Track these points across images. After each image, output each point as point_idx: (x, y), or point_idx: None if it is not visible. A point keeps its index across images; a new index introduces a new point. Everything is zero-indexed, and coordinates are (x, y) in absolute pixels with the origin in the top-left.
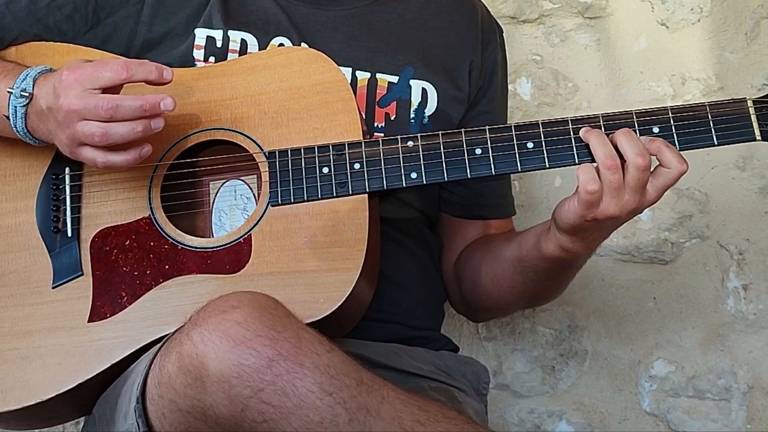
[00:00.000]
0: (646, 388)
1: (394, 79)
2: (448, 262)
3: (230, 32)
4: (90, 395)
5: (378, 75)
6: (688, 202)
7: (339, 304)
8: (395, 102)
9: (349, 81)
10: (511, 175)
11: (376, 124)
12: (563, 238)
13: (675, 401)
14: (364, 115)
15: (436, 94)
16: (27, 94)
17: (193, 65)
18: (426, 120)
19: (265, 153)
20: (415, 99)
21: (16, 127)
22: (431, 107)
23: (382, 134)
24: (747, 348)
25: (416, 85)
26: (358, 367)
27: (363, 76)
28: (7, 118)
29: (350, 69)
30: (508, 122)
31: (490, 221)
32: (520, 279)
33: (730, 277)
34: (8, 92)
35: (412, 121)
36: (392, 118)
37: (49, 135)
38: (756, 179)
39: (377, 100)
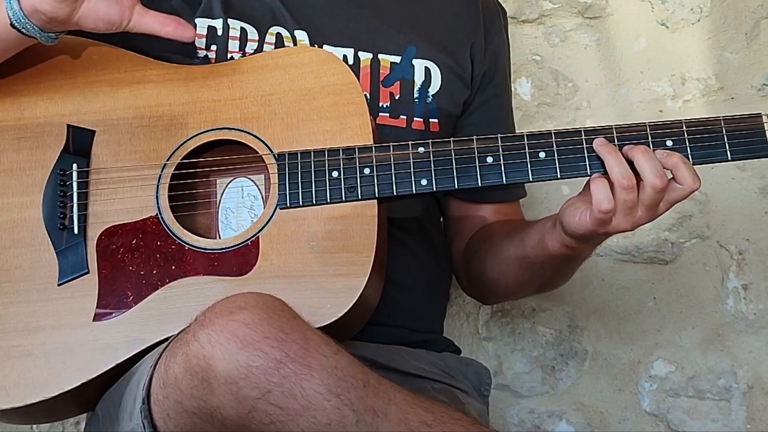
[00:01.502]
0: (646, 388)
1: (397, 59)
2: (458, 249)
3: (230, 20)
4: (94, 393)
5: (380, 56)
6: (688, 202)
7: (346, 309)
8: (399, 82)
9: (352, 62)
10: None
11: (381, 104)
12: (569, 240)
13: (675, 401)
14: (368, 96)
15: (439, 73)
16: None
17: (195, 53)
18: (430, 99)
19: (274, 154)
20: (419, 78)
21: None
22: (435, 86)
23: (388, 114)
24: (747, 348)
25: (419, 65)
26: (364, 368)
27: (365, 56)
28: None
29: (352, 50)
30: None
31: (497, 205)
32: (527, 273)
33: (730, 277)
34: None
35: (416, 100)
36: (396, 98)
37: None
38: (756, 179)
39: (381, 80)
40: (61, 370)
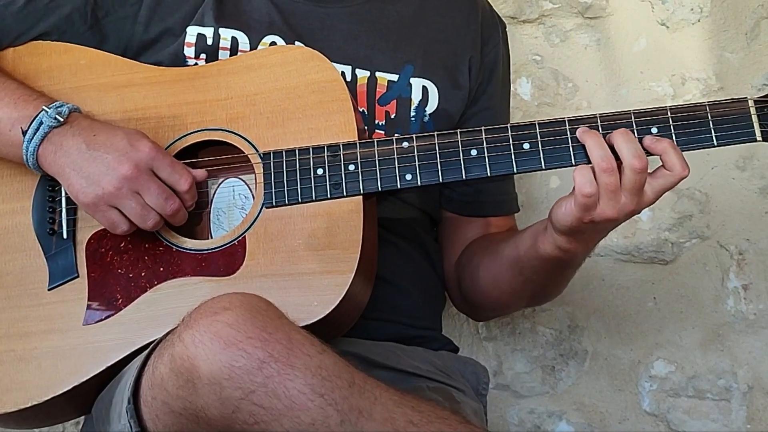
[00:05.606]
0: (646, 388)
1: (394, 77)
2: (450, 262)
3: (221, 30)
4: (88, 396)
5: (377, 74)
6: (688, 202)
7: (333, 307)
8: (395, 100)
9: (349, 79)
10: None
11: (377, 122)
12: (560, 238)
13: (675, 401)
14: (366, 112)
15: (437, 93)
16: (61, 119)
17: (185, 62)
18: (427, 118)
19: (259, 154)
20: (416, 97)
21: (29, 143)
22: (432, 105)
23: (383, 132)
24: (747, 348)
25: (417, 84)
26: (350, 368)
27: (362, 74)
28: (23, 134)
29: (350, 67)
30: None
31: (490, 219)
32: (519, 279)
33: (730, 277)
34: (43, 109)
35: (413, 119)
36: (392, 117)
37: (62, 167)
38: (756, 179)
39: (377, 98)
40: (53, 374)
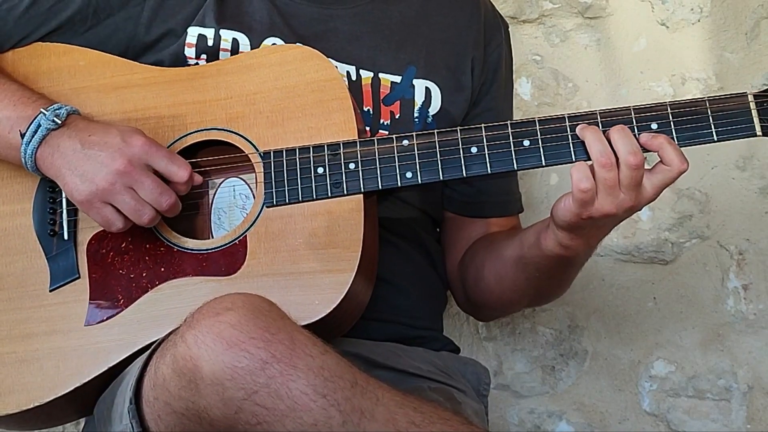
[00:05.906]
0: (646, 388)
1: (397, 78)
2: (453, 262)
3: (222, 31)
4: (90, 397)
5: (380, 75)
6: (688, 202)
7: (334, 305)
8: (399, 101)
9: (354, 78)
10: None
11: (382, 122)
12: (562, 235)
13: (675, 401)
14: (372, 112)
15: (440, 94)
16: (59, 121)
17: (185, 63)
18: (430, 119)
19: (260, 153)
20: (419, 98)
21: (27, 146)
22: (435, 107)
23: (387, 132)
24: (747, 348)
25: (419, 85)
26: (352, 368)
27: (366, 75)
28: (21, 136)
29: (354, 67)
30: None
31: (492, 219)
32: (523, 277)
33: (730, 277)
34: (42, 111)
35: (416, 120)
36: (397, 117)
37: (59, 168)
38: (756, 179)
39: (381, 98)
40: (55, 375)
